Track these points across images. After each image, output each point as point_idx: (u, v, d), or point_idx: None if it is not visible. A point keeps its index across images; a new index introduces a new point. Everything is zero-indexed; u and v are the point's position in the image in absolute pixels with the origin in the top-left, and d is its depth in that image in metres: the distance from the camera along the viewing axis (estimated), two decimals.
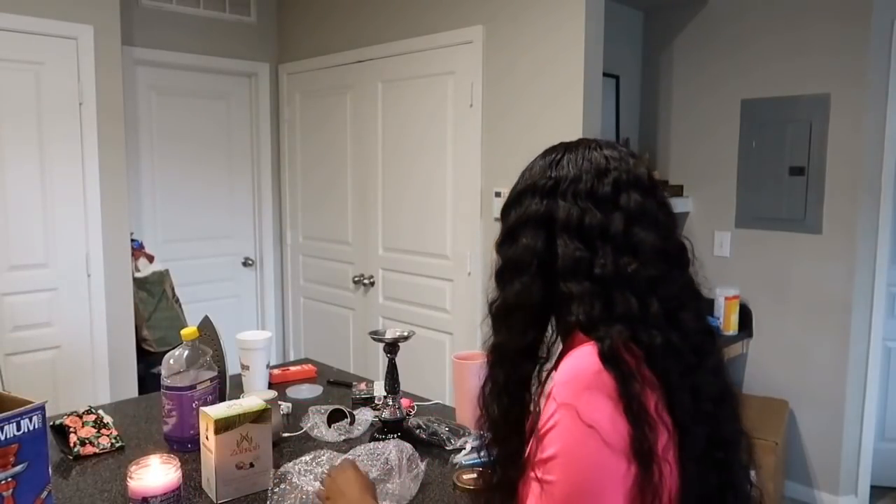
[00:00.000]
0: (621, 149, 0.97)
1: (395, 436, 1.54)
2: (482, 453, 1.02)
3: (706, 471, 0.87)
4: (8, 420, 1.06)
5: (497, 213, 3.01)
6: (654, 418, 0.82)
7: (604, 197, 0.92)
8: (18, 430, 1.07)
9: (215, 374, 1.56)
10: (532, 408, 0.94)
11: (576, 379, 0.84)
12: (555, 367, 0.94)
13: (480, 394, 1.00)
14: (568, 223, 0.92)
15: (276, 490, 1.22)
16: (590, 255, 0.90)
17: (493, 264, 1.00)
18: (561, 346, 0.96)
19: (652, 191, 0.95)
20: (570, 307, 0.89)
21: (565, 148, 0.98)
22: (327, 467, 1.28)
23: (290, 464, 1.28)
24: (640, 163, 0.96)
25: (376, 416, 1.67)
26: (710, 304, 3.23)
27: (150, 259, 3.41)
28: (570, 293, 0.90)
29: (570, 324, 0.91)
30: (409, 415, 1.72)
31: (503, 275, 0.97)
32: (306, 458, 1.30)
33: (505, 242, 0.98)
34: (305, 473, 1.26)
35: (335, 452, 1.33)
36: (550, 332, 0.97)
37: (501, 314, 0.97)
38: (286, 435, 1.60)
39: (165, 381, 1.50)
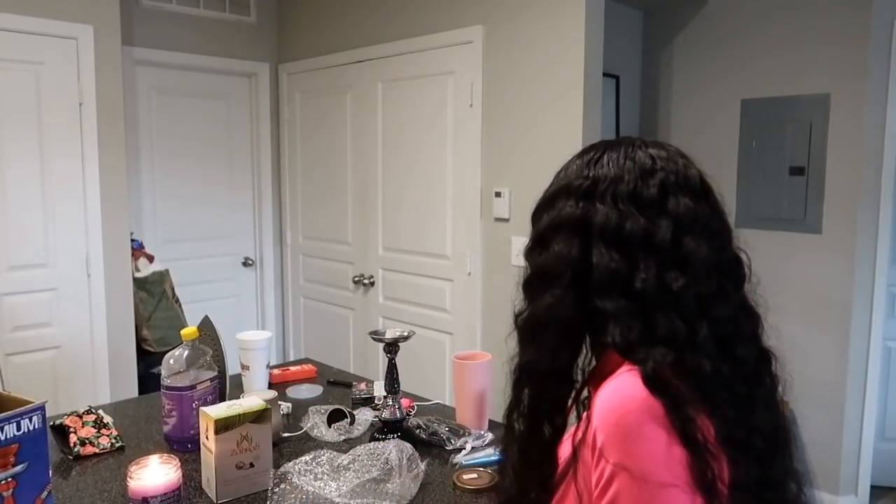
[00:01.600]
0: (669, 148, 0.87)
1: (395, 436, 1.54)
2: (504, 477, 0.92)
3: None
4: (8, 420, 1.06)
5: (497, 213, 3.01)
6: (714, 445, 0.74)
7: (649, 200, 0.81)
8: (18, 430, 1.07)
9: (215, 374, 1.56)
10: (572, 431, 0.86)
11: (621, 422, 0.75)
12: (589, 385, 0.87)
13: (506, 414, 0.90)
14: (605, 229, 0.81)
15: (276, 490, 1.22)
16: (628, 267, 0.80)
17: (522, 273, 0.90)
18: (594, 364, 0.88)
19: (705, 195, 0.84)
20: (605, 327, 0.80)
21: (605, 146, 0.88)
22: (327, 467, 1.28)
23: (290, 464, 1.28)
24: (690, 164, 0.86)
25: (376, 416, 1.67)
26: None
27: (150, 259, 3.41)
28: (604, 311, 0.80)
29: (606, 345, 0.82)
30: (409, 415, 1.72)
31: (532, 285, 0.87)
32: (306, 457, 1.30)
33: (535, 249, 0.88)
34: (305, 473, 1.26)
35: (335, 452, 1.33)
36: (586, 352, 0.88)
37: (530, 330, 0.87)
38: (286, 435, 1.60)
39: (165, 381, 1.50)
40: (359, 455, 1.31)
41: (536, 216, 0.90)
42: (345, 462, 1.30)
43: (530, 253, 0.89)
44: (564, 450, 0.88)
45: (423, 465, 1.33)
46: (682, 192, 0.83)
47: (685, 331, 0.77)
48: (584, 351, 0.88)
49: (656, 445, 0.73)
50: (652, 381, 0.75)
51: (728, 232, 0.86)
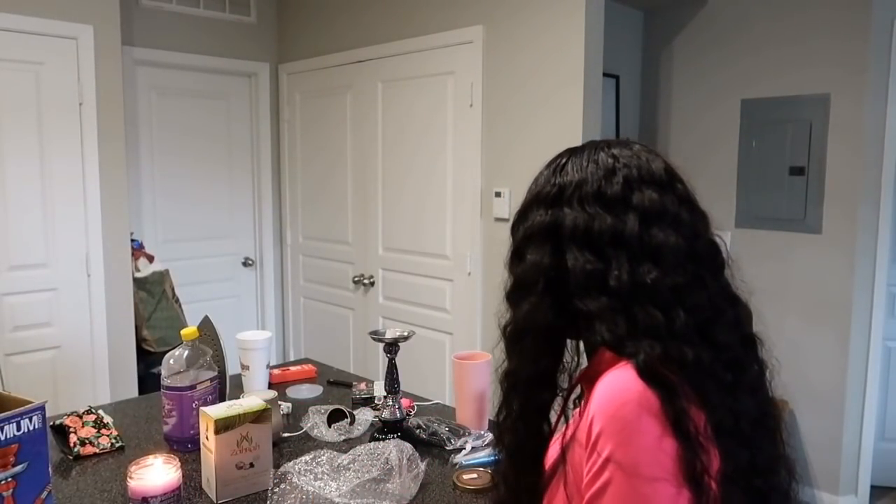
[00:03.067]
0: (634, 146, 0.89)
1: (395, 436, 1.54)
2: (498, 483, 0.94)
3: (745, 499, 0.79)
4: (8, 420, 1.06)
5: (497, 213, 3.01)
6: (705, 437, 0.75)
7: (613, 198, 0.83)
8: (18, 430, 1.07)
9: (215, 374, 1.56)
10: (562, 429, 0.87)
11: (618, 413, 0.76)
12: (582, 383, 0.88)
13: (496, 421, 0.93)
14: (575, 232, 0.83)
15: (276, 490, 1.22)
16: (603, 266, 0.81)
17: (504, 285, 0.92)
18: (586, 365, 0.89)
19: (670, 185, 0.85)
20: (592, 326, 0.82)
21: (570, 153, 0.91)
22: (327, 467, 1.28)
23: (290, 463, 1.28)
24: (655, 157, 0.87)
25: (376, 416, 1.67)
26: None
27: (150, 259, 3.41)
28: (588, 311, 0.82)
29: (596, 343, 0.83)
30: (409, 415, 1.72)
31: (512, 296, 0.90)
32: (306, 457, 1.30)
33: (513, 261, 0.91)
34: (305, 473, 1.26)
35: (335, 452, 1.33)
36: (570, 357, 0.89)
37: (512, 338, 0.89)
38: (286, 435, 1.60)
39: (165, 381, 1.50)
40: (359, 455, 1.31)
41: (514, 230, 0.92)
42: (345, 462, 1.30)
43: (510, 265, 0.91)
44: (552, 451, 0.89)
45: (423, 465, 1.33)
46: (647, 186, 0.84)
47: (664, 321, 0.79)
48: (572, 356, 0.90)
49: (649, 439, 0.74)
50: (646, 373, 0.76)
51: (701, 220, 0.86)
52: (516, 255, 0.90)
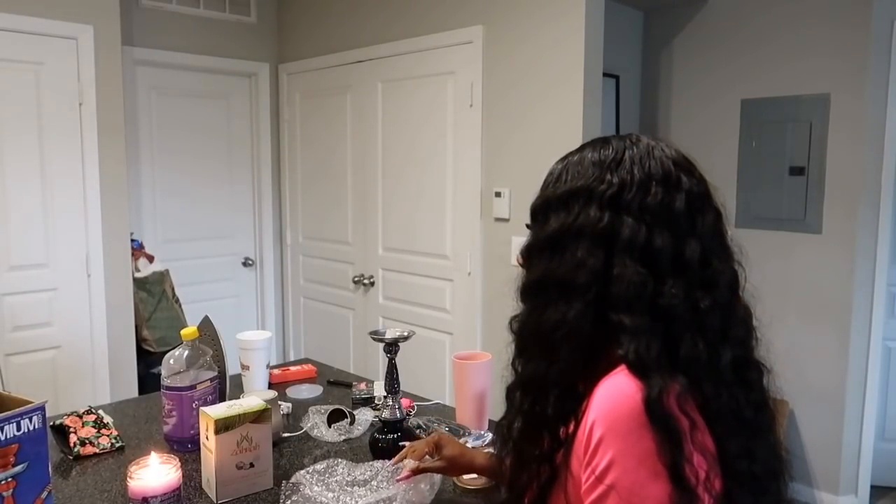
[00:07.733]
0: (676, 148, 0.85)
1: (396, 435, 1.53)
2: (503, 487, 0.90)
3: None
4: (8, 420, 1.06)
5: (497, 213, 3.01)
6: (702, 489, 0.73)
7: (678, 215, 0.79)
8: (18, 430, 1.07)
9: (215, 374, 1.56)
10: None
11: (623, 417, 0.74)
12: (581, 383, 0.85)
13: (503, 423, 0.88)
14: (632, 243, 0.78)
15: (289, 503, 1.21)
16: (655, 282, 0.77)
17: (523, 275, 0.86)
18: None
19: (719, 211, 0.82)
20: (619, 340, 0.77)
21: (625, 145, 0.84)
22: (342, 479, 1.25)
23: (303, 472, 1.26)
24: (702, 174, 0.84)
25: (376, 416, 1.67)
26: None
27: (150, 259, 3.41)
28: (622, 325, 0.77)
29: (614, 357, 0.78)
30: (409, 415, 1.72)
31: (544, 292, 0.83)
32: (319, 466, 1.29)
33: (544, 251, 0.83)
34: (318, 484, 1.24)
35: (351, 463, 1.31)
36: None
37: (542, 340, 0.82)
38: (286, 435, 1.60)
39: (165, 381, 1.50)
40: (377, 472, 1.27)
41: (542, 214, 0.86)
42: (363, 477, 1.28)
43: (540, 254, 0.85)
44: None
45: (437, 478, 1.30)
46: (707, 208, 0.82)
47: (707, 355, 0.76)
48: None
49: (652, 445, 0.74)
50: (653, 408, 0.73)
51: (731, 248, 0.85)
52: (551, 247, 0.83)
